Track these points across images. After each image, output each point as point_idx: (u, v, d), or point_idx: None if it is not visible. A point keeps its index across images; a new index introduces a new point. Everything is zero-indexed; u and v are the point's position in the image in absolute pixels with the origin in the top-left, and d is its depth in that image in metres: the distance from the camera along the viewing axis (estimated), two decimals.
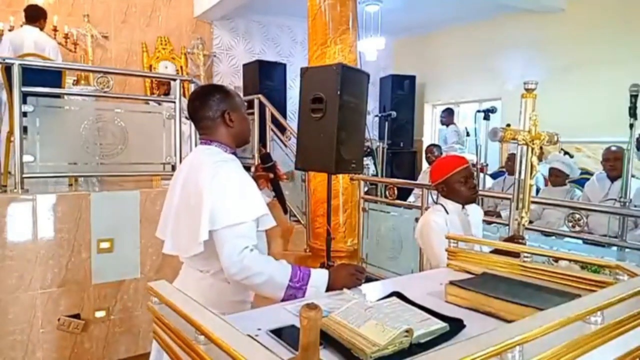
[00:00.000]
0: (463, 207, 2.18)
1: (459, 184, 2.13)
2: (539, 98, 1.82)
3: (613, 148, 3.81)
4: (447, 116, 7.34)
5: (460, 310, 1.22)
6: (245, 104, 1.78)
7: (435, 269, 1.85)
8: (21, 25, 4.71)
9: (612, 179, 3.78)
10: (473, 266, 1.55)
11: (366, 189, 4.55)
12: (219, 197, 1.45)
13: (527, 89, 1.76)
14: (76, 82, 5.34)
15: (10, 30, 5.58)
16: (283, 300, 1.44)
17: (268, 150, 5.47)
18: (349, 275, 1.50)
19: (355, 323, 1.00)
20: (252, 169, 1.93)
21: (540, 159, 1.78)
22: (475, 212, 2.26)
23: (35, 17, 4.52)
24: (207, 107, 1.60)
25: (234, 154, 1.65)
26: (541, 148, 1.80)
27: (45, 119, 2.99)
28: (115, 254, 2.87)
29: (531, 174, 1.78)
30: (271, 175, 1.84)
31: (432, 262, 2.09)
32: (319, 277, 1.48)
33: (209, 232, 1.45)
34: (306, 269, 1.50)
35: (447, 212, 2.13)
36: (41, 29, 4.54)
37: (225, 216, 1.44)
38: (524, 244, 1.78)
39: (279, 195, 1.93)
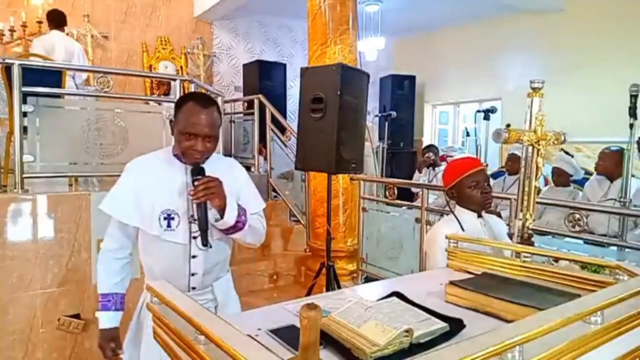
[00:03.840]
0: (479, 216, 2.01)
1: (470, 189, 1.97)
2: None
3: (613, 148, 3.81)
4: None
5: (460, 310, 1.22)
6: (202, 126, 1.56)
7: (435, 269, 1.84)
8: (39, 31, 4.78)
9: (611, 179, 3.78)
10: (473, 266, 1.54)
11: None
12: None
13: (533, 88, 1.71)
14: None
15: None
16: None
17: (268, 150, 5.46)
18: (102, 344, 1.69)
19: (355, 323, 1.00)
20: None
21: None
22: (496, 223, 2.09)
23: (60, 22, 4.74)
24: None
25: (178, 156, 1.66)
26: None
27: (45, 119, 2.98)
28: None
29: (536, 175, 1.76)
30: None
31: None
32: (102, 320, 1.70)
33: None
34: (121, 304, 1.76)
35: (461, 227, 1.94)
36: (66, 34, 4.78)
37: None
38: (532, 244, 1.77)
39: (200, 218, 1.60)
